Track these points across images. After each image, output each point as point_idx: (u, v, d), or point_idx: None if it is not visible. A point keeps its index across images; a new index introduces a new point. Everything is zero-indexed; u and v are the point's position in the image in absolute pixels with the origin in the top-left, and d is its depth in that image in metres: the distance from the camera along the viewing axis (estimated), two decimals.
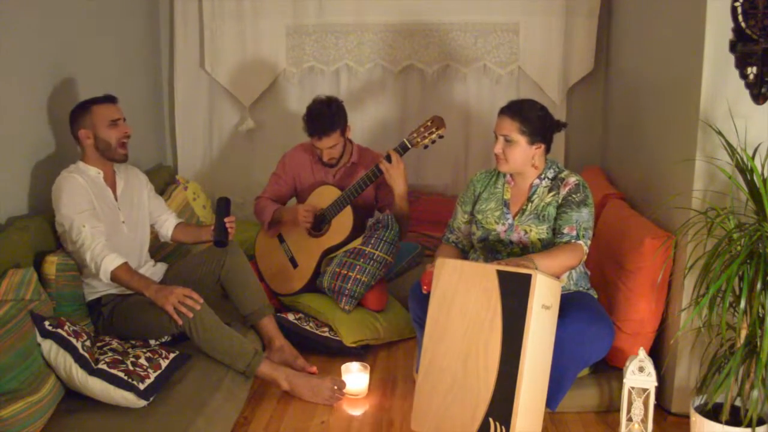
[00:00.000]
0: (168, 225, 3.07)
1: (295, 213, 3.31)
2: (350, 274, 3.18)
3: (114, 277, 2.61)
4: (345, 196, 3.26)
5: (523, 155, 2.60)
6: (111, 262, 2.60)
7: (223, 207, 2.87)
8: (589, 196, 2.61)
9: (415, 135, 3.18)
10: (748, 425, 2.25)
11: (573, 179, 2.62)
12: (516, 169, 2.64)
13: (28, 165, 2.85)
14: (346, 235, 3.29)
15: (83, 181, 2.71)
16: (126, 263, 2.64)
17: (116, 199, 2.85)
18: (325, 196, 3.35)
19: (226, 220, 2.84)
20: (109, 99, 2.83)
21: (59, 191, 2.67)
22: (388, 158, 3.16)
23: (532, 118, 2.57)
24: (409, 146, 3.18)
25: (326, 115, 3.25)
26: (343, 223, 3.30)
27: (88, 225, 2.62)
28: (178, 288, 2.61)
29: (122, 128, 2.81)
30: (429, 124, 3.17)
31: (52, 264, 2.57)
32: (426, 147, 3.21)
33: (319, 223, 3.37)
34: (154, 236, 3.10)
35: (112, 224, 2.78)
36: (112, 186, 2.87)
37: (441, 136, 3.18)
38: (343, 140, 3.34)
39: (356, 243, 3.24)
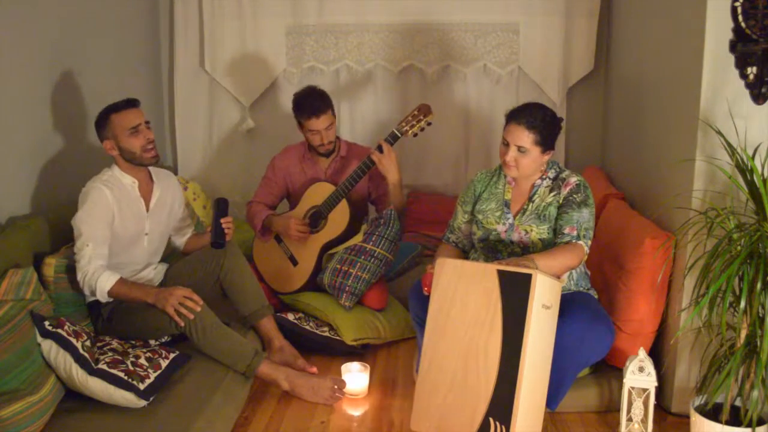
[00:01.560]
0: (184, 238, 3.08)
1: (287, 226, 3.32)
2: (351, 270, 3.18)
3: (111, 294, 2.60)
4: (339, 190, 3.27)
5: (535, 163, 2.59)
6: (106, 282, 2.57)
7: (219, 208, 2.87)
8: (589, 197, 2.61)
9: (403, 124, 3.20)
10: (748, 425, 2.25)
11: (574, 179, 2.62)
12: (525, 175, 2.63)
13: (27, 164, 2.85)
14: (343, 229, 3.30)
15: (111, 197, 2.67)
16: (120, 278, 2.61)
17: (147, 209, 2.83)
18: (320, 192, 3.35)
19: (222, 221, 2.84)
20: (129, 104, 2.76)
21: (85, 199, 2.65)
22: (380, 149, 3.17)
23: (547, 128, 2.56)
24: (399, 135, 3.20)
25: (316, 96, 3.31)
26: (339, 216, 3.31)
27: (92, 245, 2.59)
28: (177, 289, 2.60)
29: (144, 134, 2.73)
30: (416, 112, 3.20)
31: (50, 266, 2.56)
32: (415, 135, 3.24)
33: (316, 220, 3.37)
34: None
35: (133, 236, 2.77)
36: (147, 195, 2.83)
37: (429, 123, 3.21)
38: (335, 123, 3.38)
39: (357, 240, 3.25)
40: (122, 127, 2.71)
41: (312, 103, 3.28)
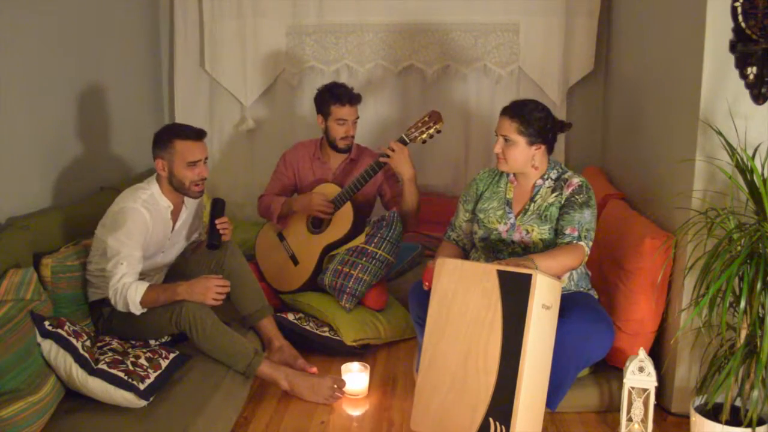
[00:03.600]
0: (192, 243, 3.07)
1: (309, 201, 3.31)
2: (352, 272, 3.18)
3: (144, 304, 2.58)
4: (345, 191, 3.27)
5: (522, 156, 2.60)
6: (135, 293, 2.55)
7: (215, 209, 2.87)
8: (591, 198, 2.61)
9: (413, 130, 3.20)
10: (748, 425, 2.25)
11: (576, 180, 2.63)
12: (516, 169, 2.64)
13: (26, 164, 2.84)
14: (345, 231, 3.30)
15: (148, 219, 2.66)
16: (148, 286, 2.60)
17: (172, 230, 2.82)
18: (325, 193, 3.35)
19: (217, 221, 2.84)
20: (197, 135, 2.73)
21: (122, 220, 2.61)
22: (390, 148, 3.17)
23: (532, 119, 2.57)
24: (407, 141, 3.20)
25: (349, 87, 3.37)
26: (342, 219, 3.31)
27: (126, 264, 2.57)
28: (209, 281, 2.62)
29: (199, 170, 2.72)
30: (426, 119, 3.19)
31: (47, 267, 2.56)
32: (424, 142, 3.23)
33: (319, 221, 3.37)
34: None
35: (151, 254, 2.77)
36: (175, 217, 2.83)
37: (439, 131, 3.20)
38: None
39: (359, 241, 3.25)
40: (183, 157, 2.68)
41: (348, 91, 3.34)
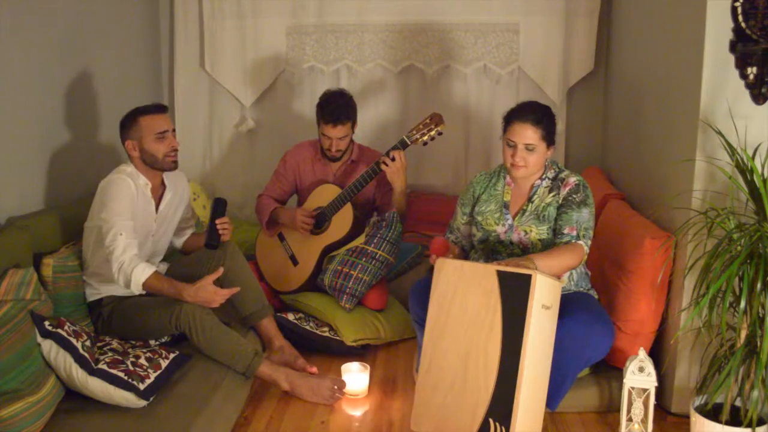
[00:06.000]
0: (183, 238, 3.07)
1: (293, 217, 3.33)
2: (352, 272, 3.18)
3: (146, 287, 2.59)
4: (345, 193, 3.27)
5: (541, 160, 2.61)
6: (141, 274, 2.56)
7: (215, 209, 2.87)
8: (589, 196, 2.61)
9: (414, 132, 3.20)
10: (748, 425, 2.25)
11: (573, 179, 2.62)
12: (532, 173, 2.63)
13: (26, 164, 2.84)
14: (345, 232, 3.30)
15: (134, 189, 2.68)
16: (155, 272, 2.61)
17: (156, 211, 2.83)
18: (326, 194, 3.36)
19: (217, 222, 2.84)
20: (159, 109, 2.77)
21: (110, 192, 2.63)
22: (391, 156, 3.17)
23: (549, 122, 2.58)
24: (409, 143, 3.20)
25: (342, 104, 3.31)
26: (343, 220, 3.31)
27: (125, 234, 2.59)
28: (216, 294, 2.64)
29: (169, 141, 2.74)
30: (428, 121, 3.19)
31: (48, 266, 2.56)
32: (425, 144, 3.24)
33: (320, 222, 3.38)
34: None
35: (140, 236, 2.76)
36: (158, 198, 2.83)
37: (440, 133, 3.20)
38: (352, 134, 3.39)
39: (359, 242, 3.25)
40: (150, 130, 2.71)
41: (334, 110, 3.28)
